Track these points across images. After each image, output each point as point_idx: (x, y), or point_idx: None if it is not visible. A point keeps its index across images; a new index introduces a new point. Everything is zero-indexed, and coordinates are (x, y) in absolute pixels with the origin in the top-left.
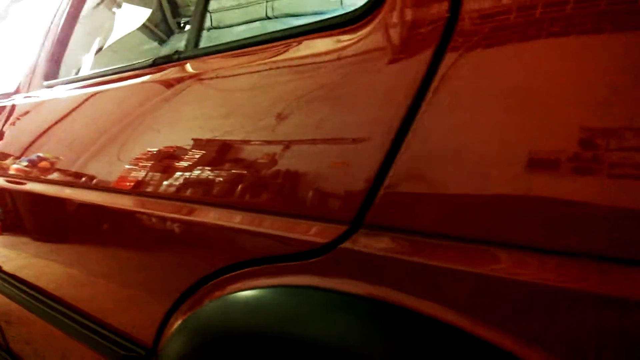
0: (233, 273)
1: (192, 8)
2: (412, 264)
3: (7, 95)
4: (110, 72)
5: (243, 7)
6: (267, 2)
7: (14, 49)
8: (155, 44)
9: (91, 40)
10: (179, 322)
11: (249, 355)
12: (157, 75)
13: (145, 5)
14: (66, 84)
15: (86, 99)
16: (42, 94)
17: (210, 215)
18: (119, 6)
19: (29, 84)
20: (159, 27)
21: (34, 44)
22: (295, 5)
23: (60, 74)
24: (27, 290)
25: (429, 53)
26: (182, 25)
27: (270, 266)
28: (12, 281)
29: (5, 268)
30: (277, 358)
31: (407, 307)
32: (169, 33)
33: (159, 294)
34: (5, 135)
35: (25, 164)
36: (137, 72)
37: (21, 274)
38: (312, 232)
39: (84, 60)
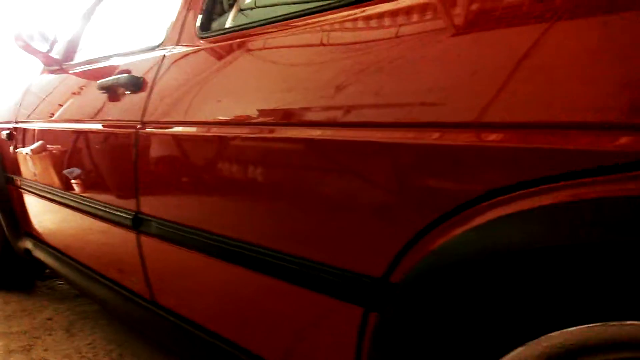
0: (511, 194)
1: None
2: None
3: (152, 49)
4: (290, 16)
5: None
6: None
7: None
8: None
9: None
10: (432, 248)
11: (553, 276)
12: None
13: None
14: (229, 33)
15: (267, 46)
16: (200, 45)
17: (478, 137)
18: None
19: (179, 37)
20: None
21: (173, 3)
22: None
23: (213, 26)
24: (199, 235)
25: None
26: None
27: (562, 183)
28: (179, 228)
29: (163, 215)
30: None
31: None
32: None
33: (401, 224)
34: (160, 85)
35: (201, 111)
36: (333, 11)
37: (193, 221)
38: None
39: (241, 10)
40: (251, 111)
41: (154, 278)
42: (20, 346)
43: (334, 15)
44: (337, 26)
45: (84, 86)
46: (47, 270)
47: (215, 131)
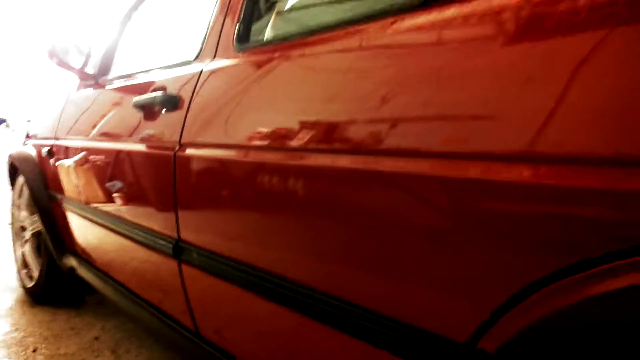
0: None
1: None
2: None
3: (188, 63)
4: (348, 21)
5: None
6: None
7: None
8: None
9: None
10: (543, 314)
11: None
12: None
13: None
14: (270, 44)
15: (318, 58)
16: (239, 59)
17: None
18: None
19: (216, 50)
20: None
21: (209, 14)
22: None
23: (252, 37)
24: (248, 271)
25: None
26: None
27: None
28: (224, 261)
29: (204, 244)
30: None
31: None
32: None
33: (493, 285)
34: (198, 103)
35: (247, 131)
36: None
37: (238, 254)
38: None
39: (280, 17)
40: (300, 133)
41: (197, 309)
42: None
43: (401, 23)
44: (404, 34)
45: (119, 103)
46: None
47: (258, 155)
